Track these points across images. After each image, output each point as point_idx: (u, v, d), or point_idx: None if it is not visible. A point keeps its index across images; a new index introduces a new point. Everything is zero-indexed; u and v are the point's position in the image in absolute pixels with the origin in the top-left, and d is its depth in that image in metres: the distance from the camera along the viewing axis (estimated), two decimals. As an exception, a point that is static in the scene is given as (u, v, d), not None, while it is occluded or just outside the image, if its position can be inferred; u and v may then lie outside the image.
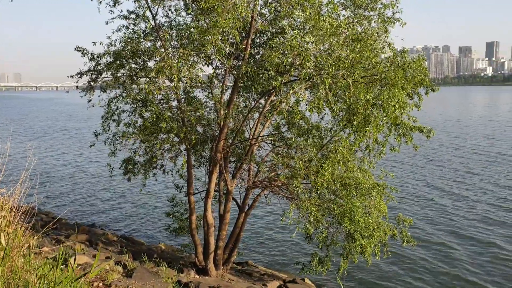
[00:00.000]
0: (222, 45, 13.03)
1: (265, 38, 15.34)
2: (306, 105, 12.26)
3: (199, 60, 14.49)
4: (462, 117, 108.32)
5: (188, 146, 16.18)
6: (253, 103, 16.95)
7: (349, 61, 11.56)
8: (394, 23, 14.36)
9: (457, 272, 21.30)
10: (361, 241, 14.89)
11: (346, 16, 14.01)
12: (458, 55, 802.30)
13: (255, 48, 15.51)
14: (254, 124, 16.72)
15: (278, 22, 14.14)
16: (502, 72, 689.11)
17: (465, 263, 22.22)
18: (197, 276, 16.00)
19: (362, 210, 15.16)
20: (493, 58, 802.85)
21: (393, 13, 14.30)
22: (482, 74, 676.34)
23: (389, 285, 20.12)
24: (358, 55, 11.72)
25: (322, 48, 12.17)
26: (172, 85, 13.70)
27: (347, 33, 12.60)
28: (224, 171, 16.11)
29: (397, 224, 16.33)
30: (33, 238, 6.92)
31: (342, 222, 14.99)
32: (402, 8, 14.34)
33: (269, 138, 17.09)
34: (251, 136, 16.55)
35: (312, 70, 11.50)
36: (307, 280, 19.39)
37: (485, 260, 22.58)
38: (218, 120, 15.35)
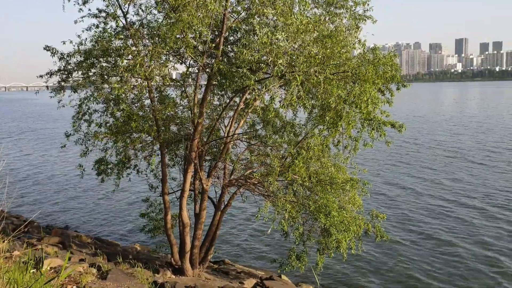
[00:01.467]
0: (194, 42, 12.95)
1: (238, 36, 15.31)
2: (280, 102, 12.31)
3: (171, 58, 14.37)
4: (432, 113, 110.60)
5: (162, 145, 16.04)
6: (227, 101, 16.92)
7: (320, 57, 11.63)
8: (365, 20, 14.50)
9: (427, 266, 21.73)
10: (337, 236, 15.04)
11: (318, 14, 14.08)
12: (429, 51, 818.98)
13: (229, 46, 15.47)
14: (229, 122, 16.68)
15: (251, 20, 14.12)
16: (471, 68, 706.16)
17: (437, 259, 22.70)
18: (173, 276, 15.89)
19: (337, 205, 15.30)
20: (463, 55, 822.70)
21: (364, 11, 14.44)
22: (452, 70, 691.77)
23: (365, 279, 20.39)
24: (328, 50, 11.81)
25: (294, 45, 12.21)
26: (144, 83, 13.55)
27: (319, 30, 12.66)
28: (199, 170, 16.02)
29: (371, 219, 16.54)
30: (3, 242, 6.75)
31: (317, 218, 15.09)
32: (373, 6, 14.51)
33: (244, 136, 17.08)
34: (226, 134, 16.52)
35: (284, 67, 11.53)
36: (284, 277, 19.48)
37: (452, 255, 23.11)
38: (192, 119, 15.25)
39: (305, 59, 11.47)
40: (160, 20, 14.38)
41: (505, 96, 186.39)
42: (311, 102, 13.64)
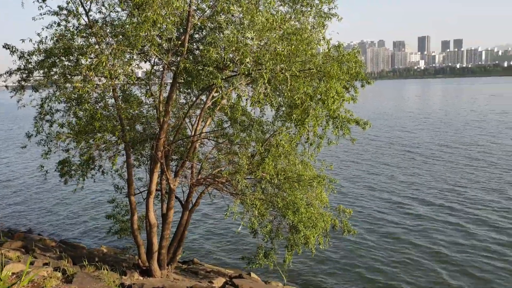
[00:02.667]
0: (159, 40, 12.77)
1: (204, 34, 15.18)
2: (247, 100, 12.29)
3: (135, 57, 14.12)
4: (395, 110, 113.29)
5: (127, 145, 15.76)
6: (194, 99, 16.77)
7: (286, 54, 11.67)
8: (330, 18, 14.63)
9: (392, 260, 22.20)
10: (305, 232, 15.15)
11: (284, 11, 14.12)
12: (393, 49, 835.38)
13: (194, 44, 15.33)
14: (195, 121, 16.55)
15: (216, 18, 14.03)
16: (433, 65, 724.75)
17: (401, 253, 23.21)
18: (141, 278, 15.66)
19: (304, 202, 15.42)
20: (425, 52, 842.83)
21: (329, 9, 14.57)
22: (415, 67, 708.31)
23: (331, 275, 20.65)
24: (293, 47, 11.87)
25: (260, 43, 12.20)
26: (107, 82, 13.27)
27: (284, 28, 12.70)
28: (165, 170, 15.83)
29: (338, 214, 16.74)
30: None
31: (285, 215, 15.17)
32: (338, 4, 14.66)
33: (212, 135, 16.98)
34: (193, 133, 16.37)
35: (251, 65, 11.51)
36: (253, 275, 19.52)
37: (418, 248, 23.70)
38: (158, 117, 15.04)
39: (272, 57, 11.48)
40: (124, 18, 14.12)
41: (464, 93, 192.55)
42: (278, 99, 13.68)
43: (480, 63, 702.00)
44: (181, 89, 16.92)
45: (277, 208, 15.60)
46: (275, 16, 12.39)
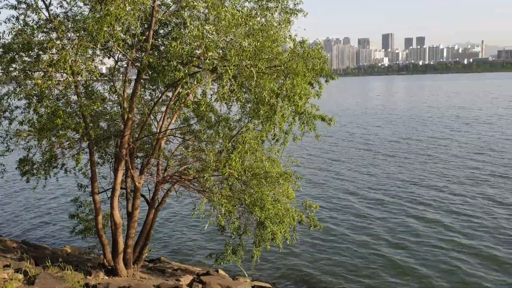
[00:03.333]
0: (122, 36, 12.54)
1: (169, 29, 15.00)
2: (212, 95, 12.24)
3: (98, 52, 13.82)
4: (358, 106, 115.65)
5: (90, 143, 15.44)
6: (159, 95, 16.56)
7: (252, 50, 11.67)
8: (296, 14, 14.69)
9: (358, 252, 22.62)
10: (272, 228, 15.24)
11: (249, 7, 14.10)
12: (358, 46, 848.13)
13: (159, 40, 15.13)
14: (161, 117, 16.35)
15: (181, 13, 13.89)
16: (397, 62, 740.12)
17: (368, 244, 23.67)
18: (106, 277, 15.41)
19: (271, 198, 15.50)
20: (389, 49, 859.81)
21: (295, 5, 14.64)
22: (380, 64, 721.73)
23: (299, 269, 20.87)
24: (259, 43, 11.89)
25: (225, 38, 12.16)
26: (69, 79, 12.95)
27: (250, 24, 12.69)
28: (130, 167, 15.60)
29: (304, 209, 16.90)
30: None
31: (253, 211, 15.22)
32: (303, 0, 14.74)
33: (178, 132, 16.83)
34: (158, 130, 16.18)
35: (216, 60, 11.46)
36: (221, 271, 19.50)
37: (386, 238, 24.24)
38: (122, 114, 14.78)
39: (237, 53, 11.46)
40: (86, 13, 13.79)
41: (426, 90, 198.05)
42: (245, 96, 13.68)
43: (441, 60, 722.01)
44: (146, 85, 16.69)
45: (245, 204, 15.63)
46: (241, 12, 12.36)
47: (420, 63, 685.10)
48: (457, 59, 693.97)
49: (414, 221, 26.60)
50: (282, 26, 14.32)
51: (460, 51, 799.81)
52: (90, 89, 15.26)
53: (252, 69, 11.50)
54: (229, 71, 11.03)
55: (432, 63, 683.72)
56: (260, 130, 14.27)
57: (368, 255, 22.03)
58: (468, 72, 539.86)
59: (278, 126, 14.01)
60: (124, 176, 16.13)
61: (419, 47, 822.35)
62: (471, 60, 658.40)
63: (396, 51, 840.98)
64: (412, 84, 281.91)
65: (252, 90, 12.62)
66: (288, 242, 16.40)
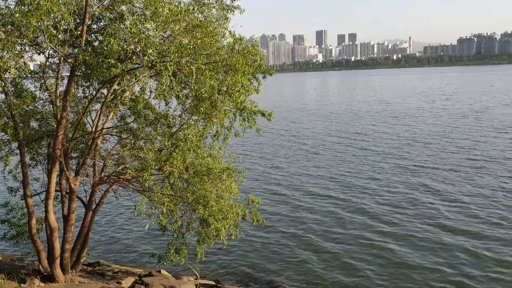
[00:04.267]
0: (54, 31, 11.93)
1: (103, 24, 14.45)
2: (151, 92, 11.95)
3: (27, 48, 13.07)
4: (296, 101, 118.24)
5: (21, 144, 14.59)
6: (94, 93, 15.92)
7: (191, 47, 11.52)
8: (233, 10, 14.67)
9: (302, 245, 23.08)
10: (216, 225, 15.17)
11: (187, 2, 13.90)
12: (293, 43, 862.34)
13: (93, 35, 14.54)
14: (96, 116, 15.76)
15: (116, 8, 13.42)
16: (331, 58, 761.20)
17: (310, 238, 24.19)
18: (43, 284, 14.72)
19: (214, 195, 15.42)
20: (323, 46, 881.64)
21: (232, 1, 14.60)
22: (314, 60, 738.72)
23: (245, 264, 20.97)
24: (199, 41, 11.76)
25: (163, 35, 11.91)
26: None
27: (188, 20, 12.51)
28: (65, 169, 14.92)
29: (247, 205, 16.95)
30: None
31: (196, 209, 15.06)
32: (240, -4, 14.73)
33: (115, 130, 16.28)
34: (94, 129, 15.58)
35: (155, 57, 11.20)
36: (163, 272, 19.19)
37: (328, 231, 24.88)
38: (55, 113, 14.08)
39: (176, 49, 11.26)
40: (12, 7, 12.98)
41: (358, 85, 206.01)
42: (184, 92, 13.48)
43: (372, 56, 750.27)
44: (79, 83, 15.99)
45: (187, 202, 15.44)
46: (180, 8, 12.15)
47: (353, 59, 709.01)
48: (387, 55, 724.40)
49: (346, 213, 27.56)
50: (220, 22, 14.26)
51: (389, 47, 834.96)
52: (19, 87, 14.41)
53: (191, 66, 11.35)
54: (169, 68, 10.82)
55: (364, 59, 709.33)
56: (201, 127, 14.16)
57: (310, 249, 22.52)
58: (397, 67, 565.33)
59: (219, 123, 13.96)
60: (58, 177, 15.40)
61: (351, 43, 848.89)
62: (400, 56, 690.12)
63: (330, 47, 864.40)
64: (345, 79, 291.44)
65: (192, 87, 12.45)
66: (233, 237, 16.38)
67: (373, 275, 19.45)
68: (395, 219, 26.10)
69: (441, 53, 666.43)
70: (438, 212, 26.95)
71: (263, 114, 15.13)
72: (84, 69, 13.38)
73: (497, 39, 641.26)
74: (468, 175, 35.23)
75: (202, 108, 12.77)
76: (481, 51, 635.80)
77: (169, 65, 10.92)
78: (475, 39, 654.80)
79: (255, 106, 14.67)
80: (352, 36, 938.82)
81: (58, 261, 15.40)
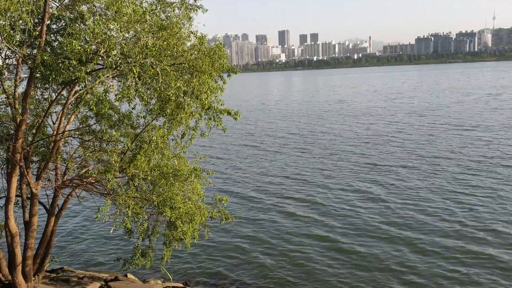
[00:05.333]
0: (11, 31, 11.54)
1: (63, 24, 14.08)
2: (116, 95, 11.73)
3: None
4: (262, 100, 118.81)
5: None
6: (54, 95, 15.49)
7: (157, 49, 11.38)
8: (197, 10, 14.57)
9: (270, 243, 23.21)
10: (183, 227, 15.02)
11: (150, 2, 13.72)
12: (256, 43, 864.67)
13: (52, 35, 14.15)
14: (57, 118, 15.34)
15: (76, 7, 13.12)
16: (293, 58, 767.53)
17: (277, 235, 24.35)
18: (4, 294, 14.21)
19: (181, 197, 15.27)
20: (285, 46, 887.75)
21: (195, 0, 14.51)
22: (277, 60, 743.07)
23: (212, 264, 20.90)
24: (165, 43, 11.63)
25: (127, 35, 11.71)
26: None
27: (152, 20, 12.35)
28: (25, 173, 14.46)
29: (215, 204, 16.85)
30: None
31: (163, 211, 14.88)
32: (203, -5, 14.65)
33: (77, 133, 15.89)
34: (55, 132, 15.17)
35: (119, 58, 11.00)
36: (130, 276, 18.91)
37: (293, 228, 25.11)
38: (14, 116, 13.63)
39: (141, 50, 11.09)
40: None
41: (319, 84, 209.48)
42: (149, 93, 13.29)
43: (334, 55, 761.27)
44: (39, 85, 15.53)
45: (153, 205, 15.23)
46: (143, 8, 11.98)
47: (315, 58, 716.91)
48: (348, 54, 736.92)
49: (308, 213, 27.95)
50: (184, 23, 14.14)
51: (350, 46, 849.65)
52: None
53: (157, 69, 11.21)
54: (134, 70, 10.64)
55: (325, 58, 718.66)
56: (167, 128, 13.97)
57: (276, 249, 22.64)
58: (358, 67, 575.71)
59: (185, 123, 13.84)
60: (19, 182, 14.91)
61: (313, 43, 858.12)
62: (360, 55, 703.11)
63: (292, 47, 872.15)
64: (307, 79, 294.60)
65: (158, 88, 12.29)
66: (195, 241, 16.26)
67: (330, 271, 19.87)
68: (351, 216, 26.79)
69: (400, 52, 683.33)
70: (392, 209, 27.77)
71: (229, 113, 15.08)
72: (43, 71, 12.99)
73: (453, 38, 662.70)
74: (418, 170, 36.70)
75: (168, 110, 12.62)
76: (438, 50, 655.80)
77: (134, 66, 10.74)
78: (432, 38, 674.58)
79: (221, 105, 14.61)
80: (314, 36, 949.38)
81: (19, 268, 14.90)
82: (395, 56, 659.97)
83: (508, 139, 48.00)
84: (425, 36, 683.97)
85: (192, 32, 13.82)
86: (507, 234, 22.81)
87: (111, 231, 15.66)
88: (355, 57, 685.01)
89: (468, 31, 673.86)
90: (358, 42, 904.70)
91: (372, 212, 27.24)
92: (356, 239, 23.28)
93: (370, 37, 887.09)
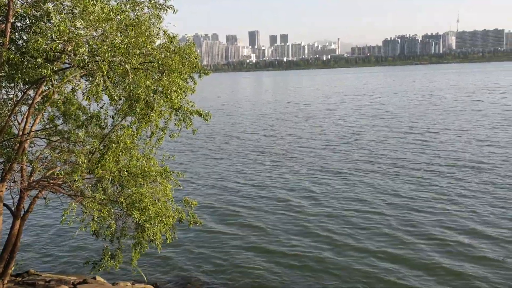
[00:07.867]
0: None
1: (28, 22, 13.76)
2: (84, 93, 11.54)
3: None
4: (235, 100, 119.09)
5: None
6: (19, 94, 15.12)
7: (125, 46, 11.26)
8: (166, 9, 14.48)
9: (241, 245, 23.26)
10: (152, 230, 14.86)
11: (119, 1, 13.55)
12: (226, 43, 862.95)
13: (17, 33, 13.81)
14: (23, 118, 14.99)
15: (42, 5, 12.84)
16: (264, 58, 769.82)
17: (247, 235, 24.44)
18: (-34, 299, 13.78)
19: (150, 198, 15.09)
20: (256, 46, 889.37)
21: (165, 0, 14.42)
22: (248, 61, 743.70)
23: (182, 266, 20.81)
24: (133, 40, 11.53)
25: (95, 33, 11.55)
26: None
27: (120, 19, 12.21)
28: (-11, 175, 14.08)
29: (184, 207, 16.76)
30: None
31: (131, 213, 14.69)
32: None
33: (43, 133, 15.56)
34: (20, 132, 14.80)
35: (87, 56, 10.83)
36: (99, 278, 18.63)
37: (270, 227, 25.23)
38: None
39: (109, 48, 10.96)
40: None
41: (290, 84, 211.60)
42: (118, 92, 13.13)
43: (303, 56, 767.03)
44: (4, 84, 15.13)
45: (122, 207, 15.00)
46: (111, 6, 11.83)
47: (285, 59, 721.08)
48: (317, 55, 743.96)
49: (283, 208, 28.22)
50: (154, 21, 14.03)
51: (319, 48, 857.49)
52: None
53: (126, 66, 11.10)
54: (103, 68, 10.51)
55: (295, 59, 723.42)
56: (135, 128, 13.82)
57: (247, 250, 22.70)
58: (326, 68, 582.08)
59: (155, 123, 13.72)
60: (-18, 184, 14.50)
61: (283, 44, 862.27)
62: (329, 56, 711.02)
63: (262, 48, 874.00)
64: (277, 80, 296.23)
65: (127, 87, 12.17)
66: (168, 241, 16.15)
67: (302, 272, 20.08)
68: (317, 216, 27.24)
69: (368, 54, 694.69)
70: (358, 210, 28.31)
71: (199, 114, 15.01)
72: (7, 69, 12.67)
73: (419, 41, 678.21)
74: (378, 172, 37.36)
75: (137, 109, 12.50)
76: (404, 52, 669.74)
77: (103, 64, 10.60)
78: (399, 40, 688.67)
79: (191, 106, 14.55)
80: (284, 37, 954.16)
81: (-17, 273, 14.51)
82: (363, 57, 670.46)
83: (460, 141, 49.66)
84: (392, 38, 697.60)
85: (160, 29, 13.72)
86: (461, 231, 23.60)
87: (76, 233, 15.37)
88: (324, 58, 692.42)
89: (434, 34, 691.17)
90: (327, 44, 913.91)
91: (351, 214, 27.66)
92: (310, 239, 23.59)
93: (338, 39, 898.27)
